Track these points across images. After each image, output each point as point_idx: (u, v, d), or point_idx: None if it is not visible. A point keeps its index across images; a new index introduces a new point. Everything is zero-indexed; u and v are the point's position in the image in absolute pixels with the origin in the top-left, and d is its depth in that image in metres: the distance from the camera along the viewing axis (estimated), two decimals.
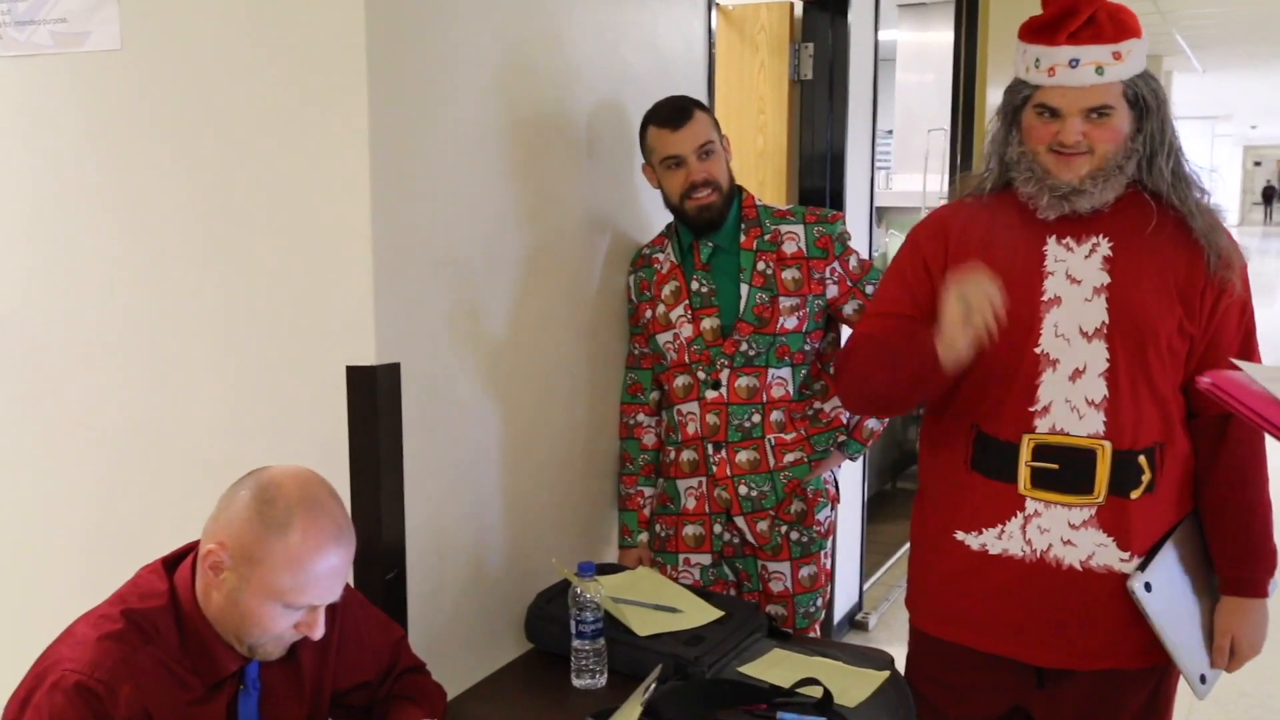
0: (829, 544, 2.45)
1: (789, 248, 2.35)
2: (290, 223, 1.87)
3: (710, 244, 2.37)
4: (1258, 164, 29.37)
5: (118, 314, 2.03)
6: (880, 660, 2.01)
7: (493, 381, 2.16)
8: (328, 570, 1.49)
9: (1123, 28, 1.77)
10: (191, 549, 1.55)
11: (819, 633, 2.52)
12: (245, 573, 1.46)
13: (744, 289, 2.34)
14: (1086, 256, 1.83)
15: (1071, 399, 1.82)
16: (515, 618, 2.19)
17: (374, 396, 1.84)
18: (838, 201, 3.64)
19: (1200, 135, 19.26)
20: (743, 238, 2.36)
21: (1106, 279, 1.81)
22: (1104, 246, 1.82)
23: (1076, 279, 1.83)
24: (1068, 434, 1.82)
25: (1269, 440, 1.57)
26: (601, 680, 1.96)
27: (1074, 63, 1.75)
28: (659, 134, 2.31)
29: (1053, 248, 1.84)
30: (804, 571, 2.41)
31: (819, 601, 2.46)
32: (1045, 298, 1.83)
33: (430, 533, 2.01)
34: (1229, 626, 1.88)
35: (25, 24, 1.98)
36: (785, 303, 2.32)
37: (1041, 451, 1.83)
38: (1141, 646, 1.87)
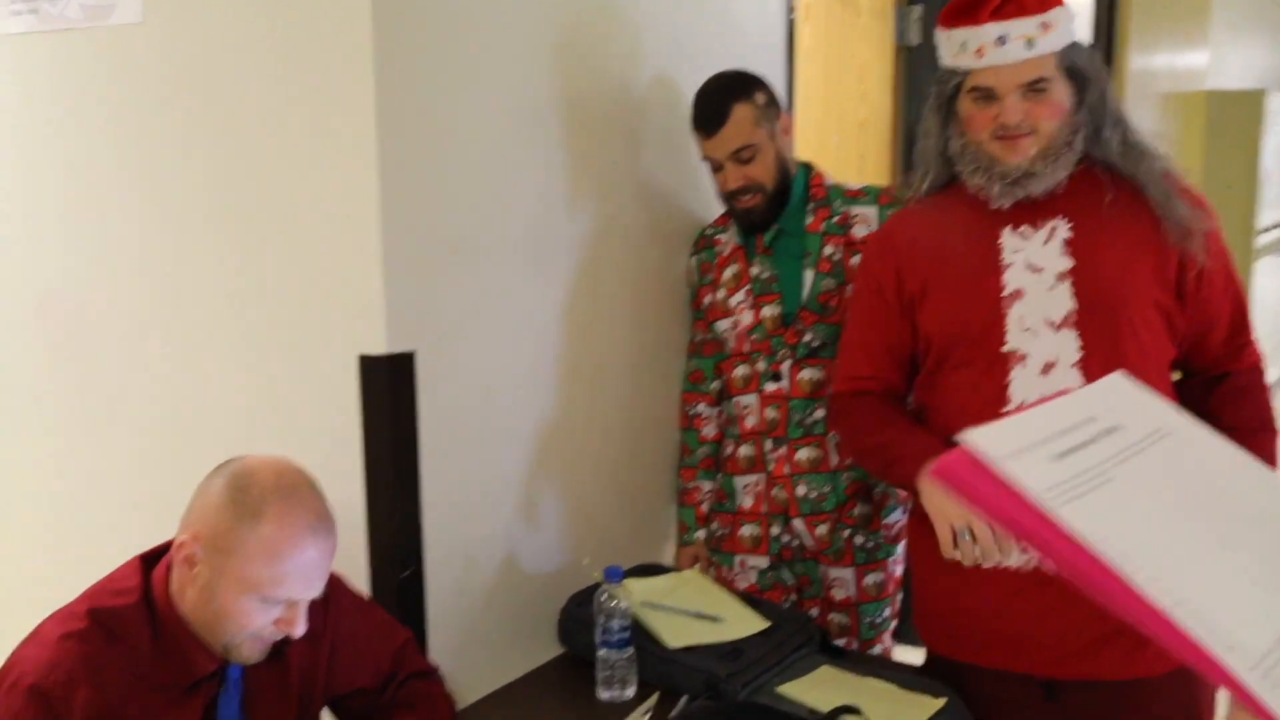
0: (899, 550, 2.26)
1: (859, 231, 2.15)
2: (302, 203, 1.78)
3: (774, 226, 2.20)
4: None
5: (145, 294, 1.98)
6: (939, 686, 1.83)
7: (529, 371, 2.04)
8: (305, 562, 1.41)
9: None
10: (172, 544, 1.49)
11: (889, 644, 2.34)
12: (218, 565, 1.39)
13: (808, 274, 2.16)
14: (1045, 242, 1.74)
15: (1045, 395, 1.70)
16: (552, 618, 2.09)
17: (386, 386, 1.75)
18: None
19: None
20: (809, 219, 2.18)
21: (1069, 263, 1.73)
22: (1063, 229, 1.74)
23: (1037, 267, 1.74)
24: None
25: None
26: (629, 693, 1.84)
27: (1002, 40, 1.67)
28: (697, 133, 2.14)
29: (1008, 238, 1.75)
30: (869, 579, 2.23)
31: (886, 611, 2.27)
32: (1005, 293, 1.74)
33: (455, 530, 1.91)
34: None
35: None
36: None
37: None
38: (1158, 650, 1.70)
